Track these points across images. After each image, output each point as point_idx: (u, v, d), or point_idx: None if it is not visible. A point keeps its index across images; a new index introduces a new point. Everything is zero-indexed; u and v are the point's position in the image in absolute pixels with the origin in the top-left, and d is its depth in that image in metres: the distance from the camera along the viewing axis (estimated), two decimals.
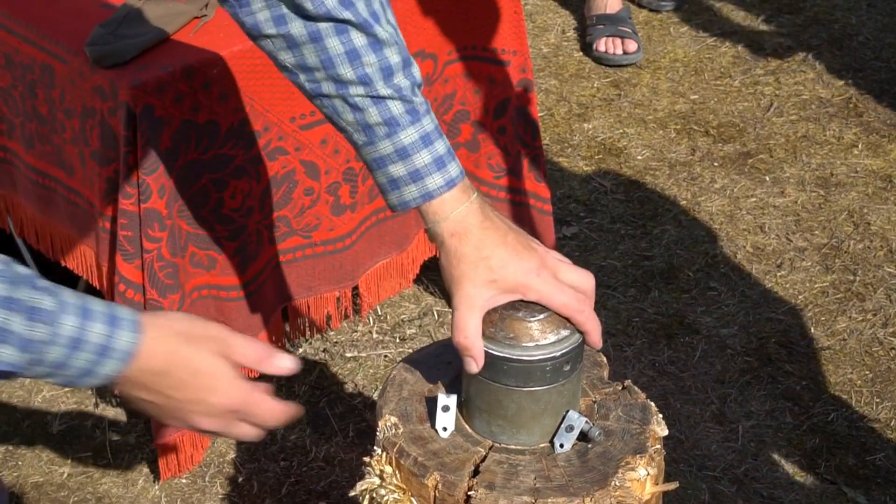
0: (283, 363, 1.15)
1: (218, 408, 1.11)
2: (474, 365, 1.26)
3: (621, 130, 3.17)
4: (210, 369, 1.10)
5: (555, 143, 3.13)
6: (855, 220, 2.85)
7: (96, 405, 2.36)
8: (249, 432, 1.15)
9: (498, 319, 1.27)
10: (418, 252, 2.42)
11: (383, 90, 1.26)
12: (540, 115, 3.05)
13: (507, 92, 2.33)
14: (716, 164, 3.04)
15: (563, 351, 1.27)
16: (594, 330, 1.29)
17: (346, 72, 1.26)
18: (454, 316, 1.26)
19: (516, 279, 1.26)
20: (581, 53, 3.51)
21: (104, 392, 2.38)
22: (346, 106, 1.28)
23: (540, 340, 1.26)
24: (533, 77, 2.37)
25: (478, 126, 2.34)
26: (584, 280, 1.29)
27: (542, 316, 1.27)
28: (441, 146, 1.28)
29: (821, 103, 3.27)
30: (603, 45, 3.43)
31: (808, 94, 3.31)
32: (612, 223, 2.85)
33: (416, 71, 1.30)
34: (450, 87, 2.28)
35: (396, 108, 1.27)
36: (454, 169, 1.28)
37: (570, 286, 1.28)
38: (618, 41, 3.42)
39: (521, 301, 1.27)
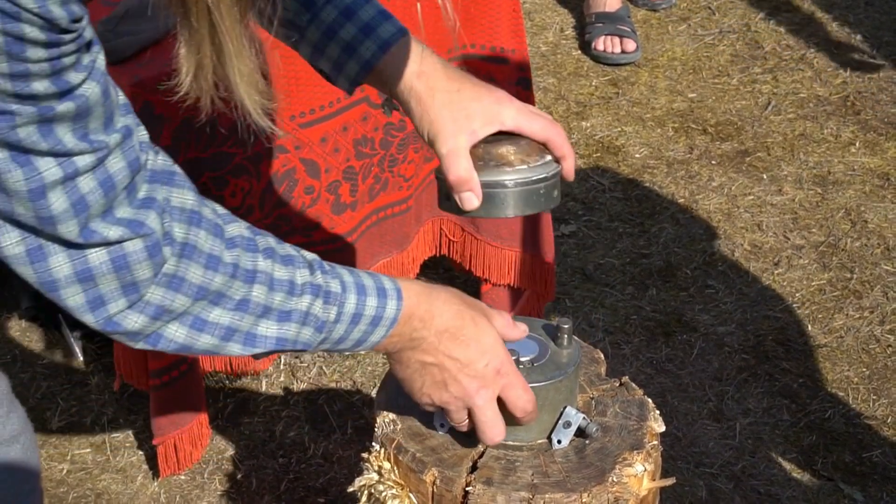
0: (523, 330, 1.28)
1: (489, 368, 1.20)
2: (474, 199, 1.26)
3: (619, 129, 3.18)
4: (485, 332, 1.20)
5: None
6: (852, 217, 2.86)
7: (96, 401, 2.37)
8: (496, 420, 1.22)
9: (483, 153, 1.27)
10: (418, 251, 2.43)
11: None
12: None
13: (507, 90, 2.33)
14: (714, 162, 3.05)
15: (554, 171, 1.29)
16: (571, 155, 1.31)
17: None
18: (443, 158, 1.26)
19: (492, 109, 1.27)
20: (579, 52, 3.52)
21: (103, 388, 2.38)
22: None
23: (530, 163, 1.27)
24: (531, 75, 2.37)
25: None
26: (546, 113, 1.31)
27: (523, 143, 1.27)
28: (378, 3, 1.29)
29: (818, 101, 3.28)
30: (601, 43, 3.43)
31: (805, 92, 3.32)
32: (610, 221, 2.85)
33: None
34: None
35: None
36: (398, 22, 1.29)
37: (539, 115, 1.30)
38: (616, 40, 3.43)
39: (497, 135, 1.27)
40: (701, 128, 3.18)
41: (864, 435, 2.30)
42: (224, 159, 2.01)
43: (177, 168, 1.04)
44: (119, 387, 2.29)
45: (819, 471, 2.23)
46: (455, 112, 1.25)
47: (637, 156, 3.07)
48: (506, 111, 1.27)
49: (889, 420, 2.34)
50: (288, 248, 1.12)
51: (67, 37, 0.89)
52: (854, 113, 3.23)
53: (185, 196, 1.03)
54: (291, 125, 2.08)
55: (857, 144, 3.11)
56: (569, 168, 1.31)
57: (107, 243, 0.97)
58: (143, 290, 1.01)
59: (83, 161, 0.94)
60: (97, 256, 0.98)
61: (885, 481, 2.21)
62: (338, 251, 2.25)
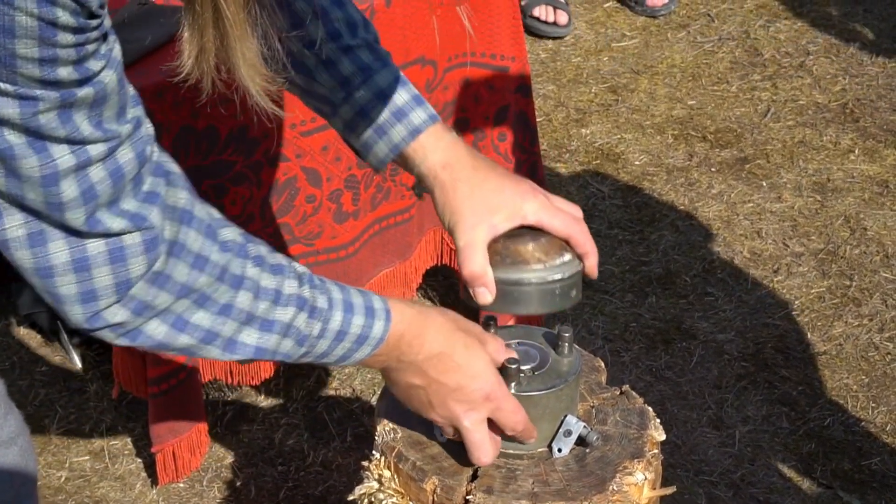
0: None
1: (477, 393, 1.19)
2: (487, 295, 1.26)
3: (619, 136, 3.18)
4: (476, 357, 1.20)
5: (552, 149, 3.13)
6: (851, 225, 2.86)
7: (94, 409, 2.37)
8: (486, 441, 1.22)
9: (502, 248, 1.26)
10: (420, 261, 2.42)
11: (351, 41, 1.29)
12: (538, 120, 3.06)
13: (507, 98, 2.33)
14: (713, 169, 3.05)
15: (573, 272, 1.28)
16: (594, 252, 1.30)
17: (315, 30, 1.28)
18: (459, 250, 1.26)
19: (514, 203, 1.26)
20: (579, 59, 3.52)
21: (102, 395, 2.38)
22: (319, 65, 1.30)
23: (547, 262, 1.26)
24: (531, 83, 2.38)
25: (478, 133, 2.35)
26: (574, 207, 1.31)
27: (544, 240, 1.26)
28: (413, 88, 1.31)
29: (818, 109, 3.28)
30: (537, 11, 3.59)
31: (805, 99, 3.32)
32: (609, 229, 2.85)
33: (372, 28, 1.33)
34: (450, 94, 2.28)
35: (365, 55, 1.29)
36: (430, 107, 1.30)
37: (562, 211, 1.29)
38: (550, 10, 3.58)
39: (520, 229, 1.27)
40: (700, 135, 3.18)
41: (864, 443, 2.30)
42: (224, 167, 2.01)
43: (174, 167, 1.05)
44: (118, 394, 2.29)
45: (818, 478, 2.22)
46: (476, 204, 1.26)
47: (636, 163, 3.08)
48: (528, 206, 1.26)
49: (888, 428, 2.33)
50: (279, 258, 1.12)
51: (94, 22, 0.90)
52: (853, 120, 3.23)
53: (177, 195, 1.04)
54: (292, 133, 2.08)
55: (857, 152, 3.11)
56: (591, 266, 1.30)
57: (108, 234, 0.98)
58: (133, 284, 1.01)
59: (96, 150, 0.95)
60: (95, 247, 0.99)
61: (884, 489, 2.20)
62: (340, 261, 2.25)
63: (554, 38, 3.58)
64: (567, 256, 1.27)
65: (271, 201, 2.10)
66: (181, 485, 2.21)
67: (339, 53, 1.29)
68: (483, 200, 1.26)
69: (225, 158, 2.01)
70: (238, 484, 2.22)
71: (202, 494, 2.20)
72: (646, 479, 1.28)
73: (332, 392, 2.41)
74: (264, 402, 2.39)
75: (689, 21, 3.69)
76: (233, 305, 1.07)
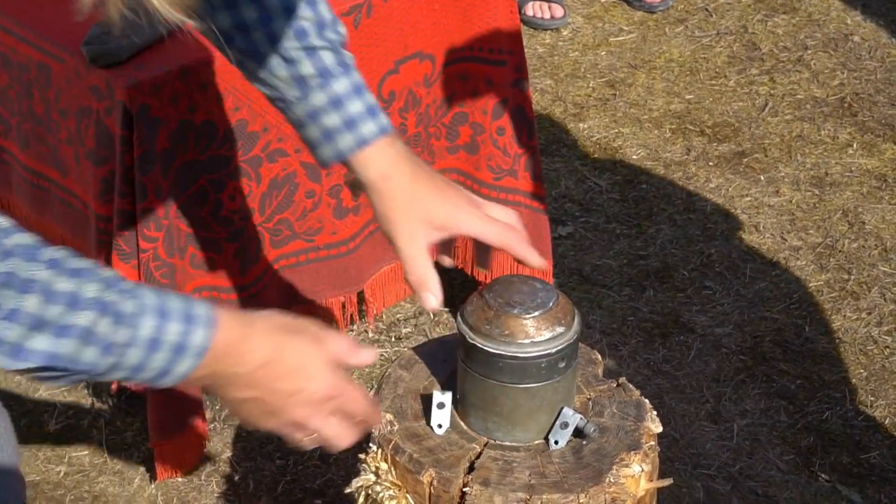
0: (368, 356, 1.21)
1: (316, 395, 1.14)
2: (433, 299, 1.28)
3: (616, 130, 3.18)
4: (310, 358, 1.14)
5: (550, 143, 3.13)
6: (849, 219, 2.86)
7: (93, 404, 2.37)
8: (339, 431, 1.17)
9: (493, 317, 1.28)
10: None
11: (316, 41, 1.30)
12: (535, 114, 3.06)
13: (505, 93, 2.33)
14: (711, 163, 3.05)
15: (559, 347, 1.28)
16: (531, 252, 1.31)
17: (282, 26, 1.29)
18: (402, 257, 1.29)
19: (449, 214, 1.29)
20: (577, 54, 3.52)
21: (100, 390, 2.38)
22: (280, 61, 1.30)
23: (535, 337, 1.27)
24: (528, 77, 2.38)
25: (477, 128, 2.35)
26: (509, 215, 1.33)
27: (537, 313, 1.28)
28: (370, 97, 1.32)
29: (816, 103, 3.28)
30: (531, 9, 3.60)
31: (803, 93, 3.32)
32: (607, 223, 2.86)
33: (342, 28, 1.33)
34: (448, 89, 2.28)
35: (328, 58, 1.30)
36: (384, 118, 1.32)
37: (497, 221, 1.31)
38: (545, 6, 3.59)
39: (516, 296, 1.28)
40: (698, 129, 3.18)
41: (862, 436, 2.30)
42: (222, 162, 2.01)
43: None
44: (117, 389, 2.29)
45: (817, 472, 2.23)
46: (413, 215, 1.29)
47: (634, 157, 3.08)
48: (463, 218, 1.29)
49: (887, 421, 2.34)
50: (83, 263, 1.04)
51: None
52: (851, 114, 3.23)
53: None
54: (291, 128, 2.08)
55: (855, 146, 3.11)
56: (534, 263, 1.31)
57: None
58: None
59: None
60: None
61: (883, 482, 2.21)
62: (340, 256, 2.25)
63: (552, 30, 3.59)
64: (559, 329, 1.29)
65: (270, 196, 2.10)
66: (180, 479, 2.21)
67: (302, 53, 1.30)
68: (420, 211, 1.29)
69: (223, 153, 2.01)
70: (236, 478, 2.22)
71: (200, 489, 2.20)
72: (643, 471, 1.28)
73: None
74: None
75: (686, 15, 3.69)
76: (20, 310, 0.99)
